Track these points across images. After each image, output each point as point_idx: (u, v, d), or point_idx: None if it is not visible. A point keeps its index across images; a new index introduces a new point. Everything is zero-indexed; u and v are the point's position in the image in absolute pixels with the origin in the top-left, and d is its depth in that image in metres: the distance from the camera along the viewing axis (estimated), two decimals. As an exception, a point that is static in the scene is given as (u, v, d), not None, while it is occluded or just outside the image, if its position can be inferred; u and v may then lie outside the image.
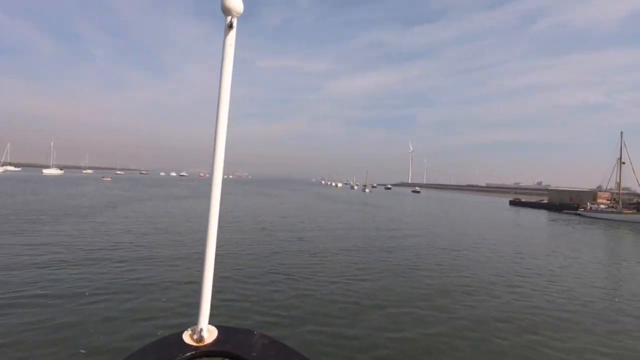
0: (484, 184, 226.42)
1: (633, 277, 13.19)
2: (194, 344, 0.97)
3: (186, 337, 0.99)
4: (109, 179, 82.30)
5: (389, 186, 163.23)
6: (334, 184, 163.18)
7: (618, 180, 47.03)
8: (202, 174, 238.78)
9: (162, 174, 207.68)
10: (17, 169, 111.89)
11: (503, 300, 9.31)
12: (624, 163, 45.90)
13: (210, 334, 1.00)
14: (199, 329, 0.99)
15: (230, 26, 0.96)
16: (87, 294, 8.04)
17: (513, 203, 68.46)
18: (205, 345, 0.97)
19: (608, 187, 52.05)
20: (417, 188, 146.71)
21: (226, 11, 0.95)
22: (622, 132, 46.07)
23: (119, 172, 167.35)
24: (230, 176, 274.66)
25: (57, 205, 25.00)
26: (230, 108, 1.02)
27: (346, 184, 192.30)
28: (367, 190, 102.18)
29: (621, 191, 47.81)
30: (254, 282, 9.56)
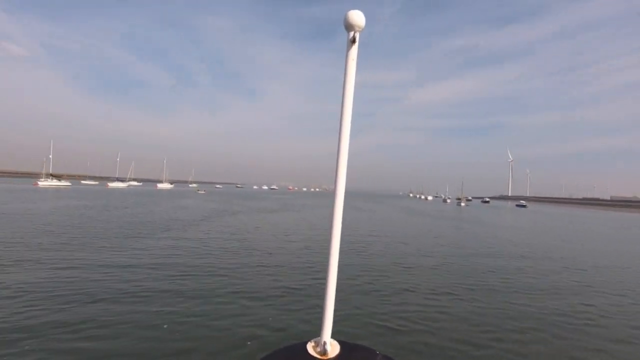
0: (607, 197, 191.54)
1: None
2: (318, 356, 0.99)
3: (310, 349, 1.01)
4: (203, 191, 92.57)
5: (487, 199, 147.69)
6: (423, 196, 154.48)
7: None
8: (290, 187, 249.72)
9: (255, 187, 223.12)
10: (138, 183, 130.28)
11: None
12: None
13: (332, 348, 1.02)
14: (322, 342, 1.01)
15: (353, 41, 0.99)
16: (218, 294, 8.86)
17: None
18: (328, 359, 0.99)
19: None
20: (522, 202, 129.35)
21: (349, 27, 0.98)
22: None
23: (218, 186, 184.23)
24: (317, 189, 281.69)
25: (168, 215, 26.52)
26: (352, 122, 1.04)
27: (437, 196, 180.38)
28: (462, 204, 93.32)
29: None
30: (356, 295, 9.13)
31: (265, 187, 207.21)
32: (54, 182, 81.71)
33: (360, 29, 0.97)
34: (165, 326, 6.80)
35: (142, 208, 33.99)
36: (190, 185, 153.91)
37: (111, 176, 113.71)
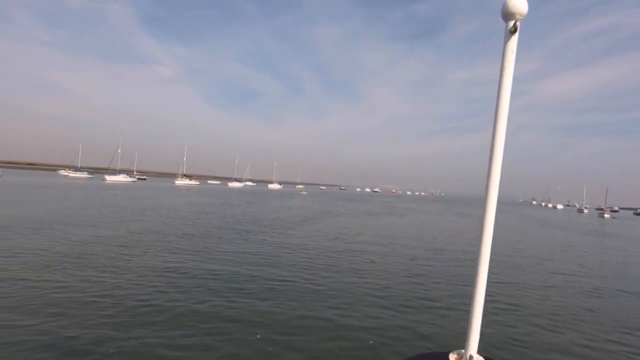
0: None
1: None
2: None
3: None
4: (305, 192, 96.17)
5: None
6: (550, 204, 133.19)
7: None
8: (393, 191, 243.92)
9: (358, 189, 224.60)
10: (253, 184, 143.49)
11: None
12: None
13: None
14: (467, 356, 0.98)
15: (513, 31, 0.93)
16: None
17: None
18: None
19: None
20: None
21: (508, 15, 0.92)
22: None
23: (322, 188, 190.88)
24: (423, 193, 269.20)
25: (275, 215, 27.69)
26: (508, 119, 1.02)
27: (568, 205, 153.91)
28: (606, 216, 76.61)
29: None
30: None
31: (368, 190, 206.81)
32: (186, 182, 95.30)
33: (522, 17, 0.90)
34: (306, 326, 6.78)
35: (253, 207, 36.34)
36: (297, 187, 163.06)
37: (231, 177, 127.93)
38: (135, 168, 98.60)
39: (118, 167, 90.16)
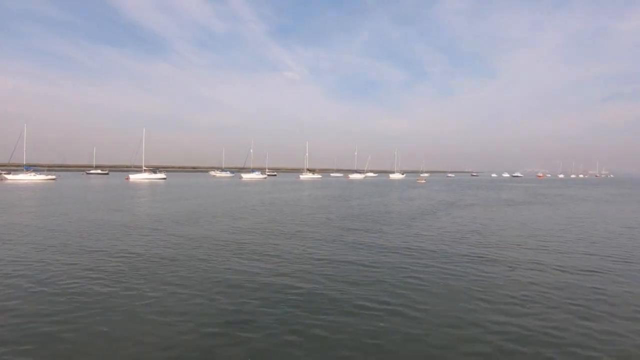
0: None
1: None
2: None
3: None
4: (423, 181, 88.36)
5: None
6: None
7: None
8: (540, 174, 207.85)
9: (493, 175, 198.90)
10: (374, 175, 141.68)
11: None
12: None
13: None
14: None
15: None
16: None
17: None
18: None
19: None
20: None
21: None
22: None
23: (450, 175, 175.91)
24: (581, 175, 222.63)
25: (397, 207, 25.20)
26: None
27: None
28: None
29: None
30: None
31: (506, 175, 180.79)
32: (309, 176, 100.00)
33: None
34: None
35: (369, 199, 34.27)
36: (421, 175, 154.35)
37: (351, 168, 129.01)
38: (267, 165, 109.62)
39: (251, 166, 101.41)
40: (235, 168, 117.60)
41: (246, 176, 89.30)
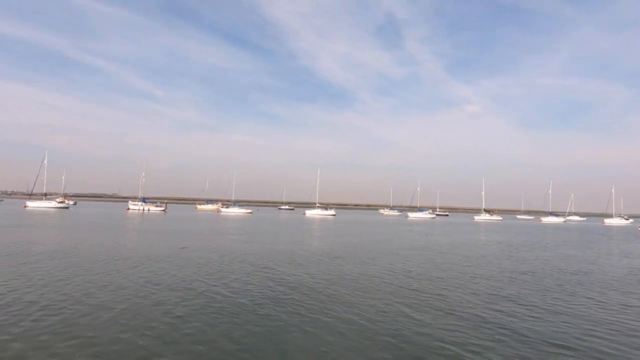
0: None
1: None
2: None
3: None
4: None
5: None
6: None
7: None
8: None
9: None
10: (581, 218, 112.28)
11: None
12: None
13: None
14: None
15: None
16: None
17: None
18: None
19: None
20: None
21: None
22: None
23: None
24: None
25: None
26: None
27: None
28: None
29: None
30: None
31: None
32: (486, 217, 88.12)
33: None
34: None
35: (557, 251, 27.02)
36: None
37: (543, 210, 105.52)
38: (437, 204, 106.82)
39: (418, 204, 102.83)
40: (406, 207, 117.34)
41: (412, 215, 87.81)
